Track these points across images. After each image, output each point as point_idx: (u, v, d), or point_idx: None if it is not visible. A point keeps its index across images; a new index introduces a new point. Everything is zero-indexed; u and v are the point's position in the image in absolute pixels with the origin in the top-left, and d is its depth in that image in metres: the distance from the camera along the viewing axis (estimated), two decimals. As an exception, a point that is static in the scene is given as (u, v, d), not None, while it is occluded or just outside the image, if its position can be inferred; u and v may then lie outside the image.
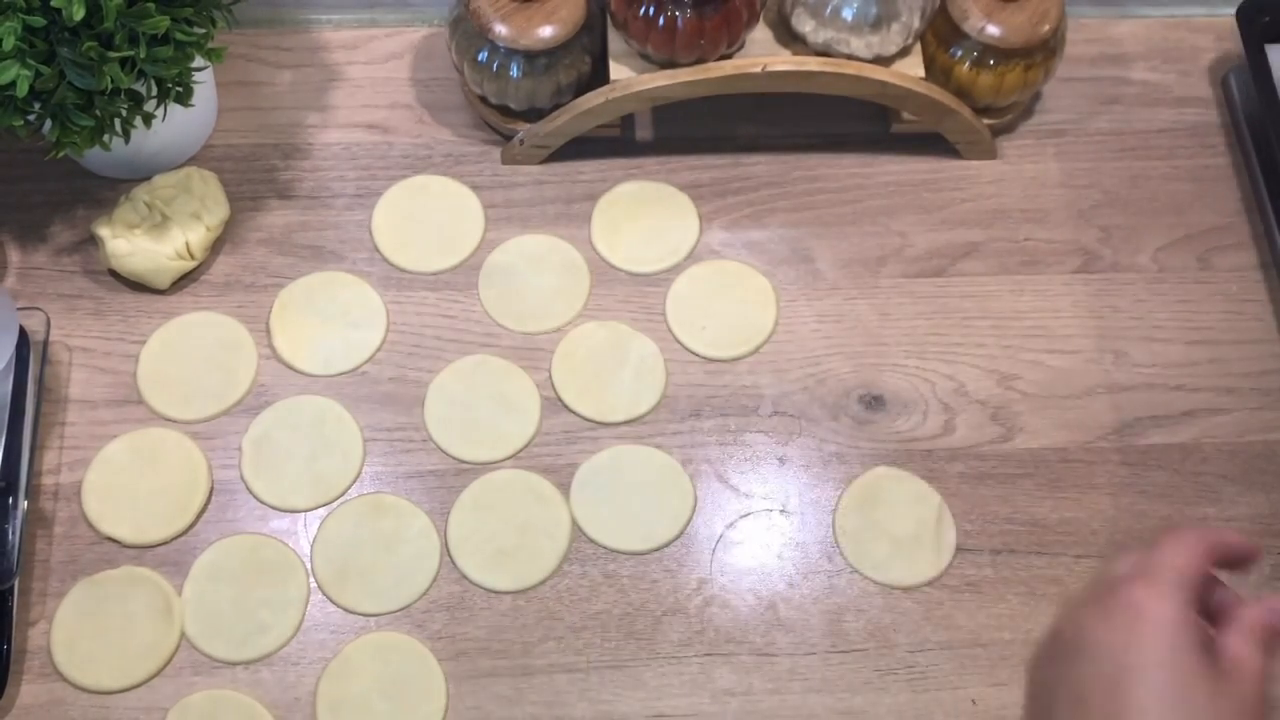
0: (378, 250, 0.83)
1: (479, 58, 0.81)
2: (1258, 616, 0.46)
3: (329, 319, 0.80)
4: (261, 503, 0.75)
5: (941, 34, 0.83)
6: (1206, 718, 0.43)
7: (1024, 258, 0.85)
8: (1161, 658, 0.43)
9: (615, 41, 0.82)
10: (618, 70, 0.81)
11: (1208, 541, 0.48)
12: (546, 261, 0.83)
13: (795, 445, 0.78)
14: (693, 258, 0.84)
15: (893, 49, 0.81)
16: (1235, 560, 0.49)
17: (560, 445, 0.78)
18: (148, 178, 0.81)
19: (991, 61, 0.82)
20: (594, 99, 0.81)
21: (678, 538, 0.76)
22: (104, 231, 0.78)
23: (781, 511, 0.76)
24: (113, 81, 0.68)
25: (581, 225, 0.84)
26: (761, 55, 0.82)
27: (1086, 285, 0.84)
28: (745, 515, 0.76)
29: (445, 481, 0.76)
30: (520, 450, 0.77)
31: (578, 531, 0.75)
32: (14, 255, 0.82)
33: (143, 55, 0.69)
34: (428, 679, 0.71)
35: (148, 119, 0.74)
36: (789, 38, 0.82)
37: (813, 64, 0.80)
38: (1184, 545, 0.47)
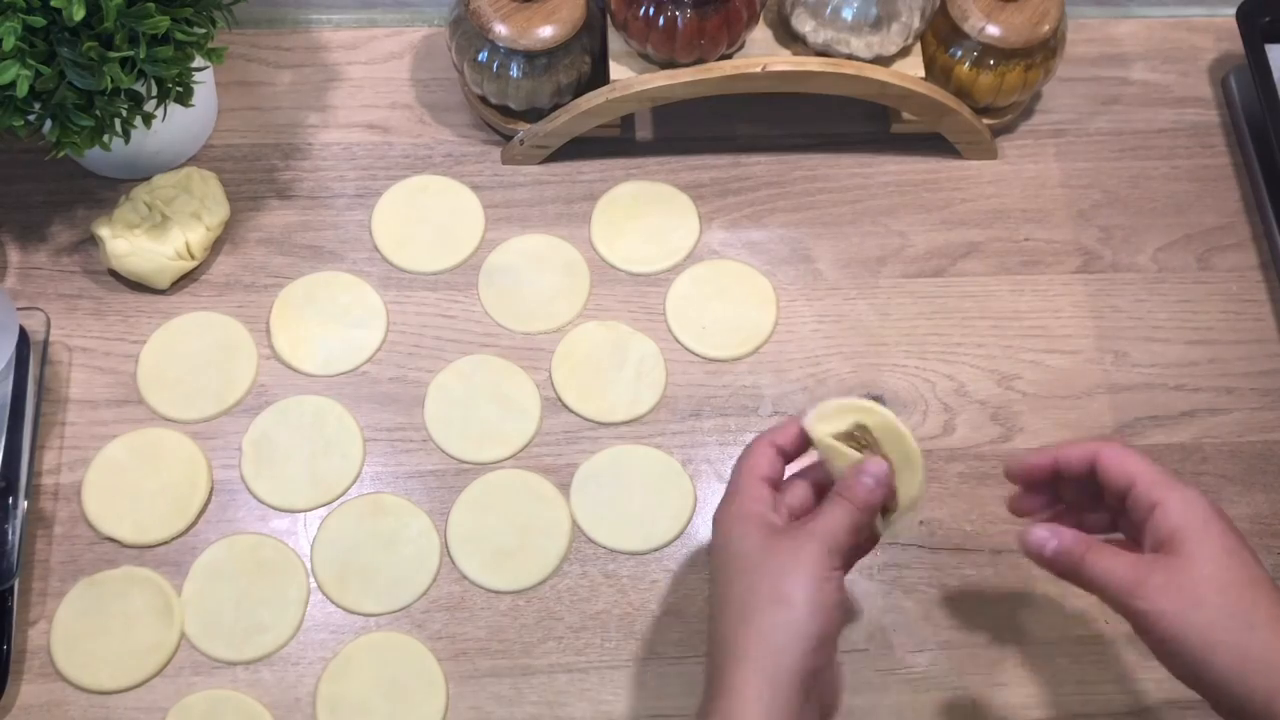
0: (378, 250, 0.83)
1: (479, 58, 0.81)
2: None
3: (329, 319, 0.80)
4: (261, 503, 0.75)
5: (941, 34, 0.83)
6: None
7: (1024, 258, 0.85)
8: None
9: (615, 41, 0.81)
10: (618, 70, 0.81)
11: None
12: (546, 261, 0.83)
13: (795, 445, 0.78)
14: (693, 258, 0.84)
15: (893, 49, 0.81)
16: None
17: (560, 445, 0.78)
18: (148, 178, 0.80)
19: (991, 61, 0.82)
20: (594, 99, 0.81)
21: (678, 538, 0.76)
22: (104, 231, 0.78)
23: (781, 511, 0.76)
24: (113, 81, 0.68)
25: (581, 225, 0.84)
26: (761, 55, 0.82)
27: (1086, 285, 0.84)
28: (745, 515, 0.76)
29: (445, 481, 0.76)
30: (520, 450, 0.77)
31: (578, 531, 0.75)
32: (14, 255, 0.82)
33: (143, 55, 0.69)
34: (428, 679, 0.71)
35: (148, 119, 0.74)
36: (789, 38, 0.82)
37: (813, 64, 0.80)
38: None
